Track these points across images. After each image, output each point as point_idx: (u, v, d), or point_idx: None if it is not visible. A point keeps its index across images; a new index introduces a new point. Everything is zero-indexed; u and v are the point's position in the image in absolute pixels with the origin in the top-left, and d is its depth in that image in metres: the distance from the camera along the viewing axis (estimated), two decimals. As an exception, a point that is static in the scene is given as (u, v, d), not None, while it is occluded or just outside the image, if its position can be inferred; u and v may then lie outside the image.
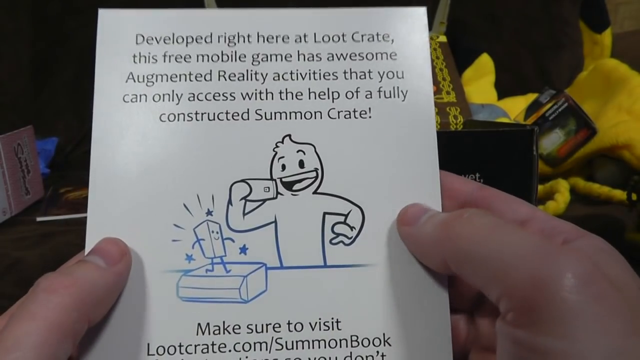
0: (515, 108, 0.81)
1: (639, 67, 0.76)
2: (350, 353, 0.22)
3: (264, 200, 0.23)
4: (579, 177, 0.68)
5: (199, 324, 0.22)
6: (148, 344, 0.21)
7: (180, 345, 0.22)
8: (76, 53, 0.94)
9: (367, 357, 0.22)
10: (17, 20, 0.94)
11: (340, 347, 0.22)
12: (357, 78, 0.24)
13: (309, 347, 0.22)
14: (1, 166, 0.63)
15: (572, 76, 0.96)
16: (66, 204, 0.69)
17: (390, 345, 0.22)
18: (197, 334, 0.22)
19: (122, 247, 0.22)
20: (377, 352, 0.22)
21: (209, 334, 0.22)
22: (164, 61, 0.24)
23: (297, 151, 0.23)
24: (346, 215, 0.23)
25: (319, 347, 0.22)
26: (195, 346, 0.22)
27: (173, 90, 0.23)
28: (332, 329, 0.22)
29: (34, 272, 0.52)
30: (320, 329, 0.22)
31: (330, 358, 0.22)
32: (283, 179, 0.23)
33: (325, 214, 0.23)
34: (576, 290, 0.16)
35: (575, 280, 0.16)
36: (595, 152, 0.67)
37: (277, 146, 0.23)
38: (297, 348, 0.22)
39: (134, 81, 0.23)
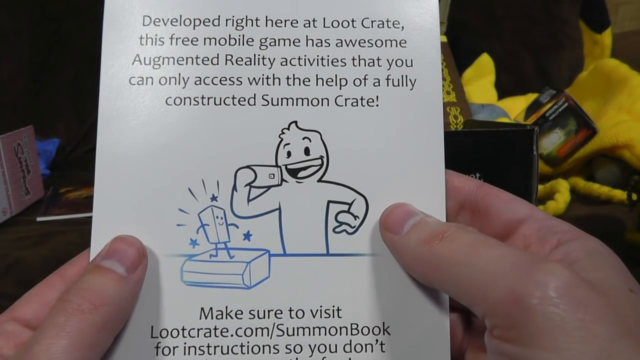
0: (515, 108, 0.81)
1: (639, 67, 0.76)
2: (350, 341, 0.22)
3: (269, 187, 0.23)
4: (579, 177, 0.68)
5: (202, 309, 0.22)
6: (152, 327, 0.22)
7: (183, 329, 0.22)
8: (76, 53, 0.94)
9: (366, 345, 0.22)
10: (17, 20, 0.94)
11: (340, 334, 0.22)
12: (365, 65, 0.24)
13: (309, 334, 0.22)
14: (1, 166, 0.63)
15: (572, 76, 0.96)
16: (66, 204, 0.69)
17: (389, 334, 0.22)
18: (200, 318, 0.22)
19: (139, 249, 0.22)
20: (376, 340, 0.22)
21: (212, 318, 0.22)
22: (171, 44, 0.23)
23: (303, 138, 0.23)
24: (350, 204, 0.23)
25: (319, 334, 0.22)
26: (198, 330, 0.22)
27: (179, 74, 0.23)
28: (333, 317, 0.22)
29: (34, 272, 0.52)
30: (321, 317, 0.22)
31: (330, 345, 0.22)
32: (288, 166, 0.23)
33: (329, 202, 0.23)
34: (556, 302, 0.17)
35: (553, 292, 0.17)
36: (596, 152, 0.67)
37: (283, 132, 0.23)
38: (297, 334, 0.22)
39: (141, 63, 0.23)
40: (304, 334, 0.22)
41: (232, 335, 0.22)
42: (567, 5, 1.03)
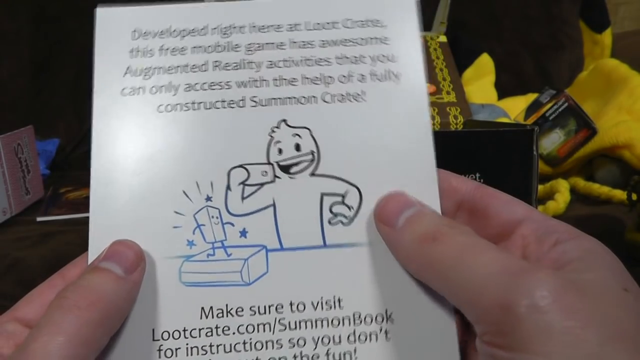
0: (515, 108, 0.81)
1: (639, 67, 0.76)
2: (354, 331, 0.22)
3: (262, 184, 0.23)
4: (579, 177, 0.68)
5: (202, 308, 0.22)
6: (153, 330, 0.22)
7: (184, 330, 0.22)
8: (76, 53, 0.94)
9: (370, 334, 0.22)
10: (17, 20, 0.95)
11: (344, 325, 0.22)
12: (350, 63, 0.24)
13: (312, 327, 0.22)
14: (1, 166, 0.63)
15: (572, 76, 0.96)
16: (66, 204, 0.69)
17: (393, 321, 0.22)
18: (201, 318, 0.22)
19: (138, 252, 0.22)
20: (381, 328, 0.22)
21: (213, 317, 0.22)
22: (160, 54, 0.24)
23: (293, 135, 0.24)
24: (344, 196, 0.23)
25: (322, 327, 0.22)
26: (200, 330, 0.22)
27: (170, 82, 0.24)
28: (335, 308, 0.22)
29: (34, 272, 0.52)
30: (322, 308, 0.22)
31: (334, 337, 0.22)
32: (280, 163, 0.23)
33: (323, 195, 0.23)
34: (544, 310, 0.17)
35: (541, 301, 0.17)
36: (596, 152, 0.67)
37: (273, 131, 0.24)
38: (300, 328, 0.22)
39: (132, 75, 0.24)
40: (306, 327, 0.22)
41: (234, 333, 0.22)
42: (567, 5, 1.03)
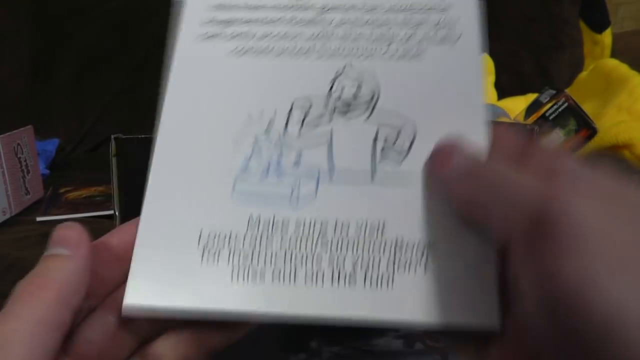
0: (515, 108, 0.81)
1: (639, 67, 0.76)
2: (394, 257, 0.23)
3: (321, 120, 0.25)
4: (579, 177, 0.67)
5: (250, 217, 0.23)
6: (201, 229, 0.23)
7: (230, 235, 0.23)
8: (76, 53, 0.94)
9: (410, 262, 0.22)
10: (17, 20, 0.95)
11: (385, 250, 0.23)
12: (411, 27, 0.27)
13: (353, 249, 0.23)
14: (1, 166, 0.64)
15: (572, 76, 0.96)
16: (66, 204, 0.69)
17: (434, 250, 0.23)
18: (248, 226, 0.23)
19: (78, 230, 0.22)
20: (421, 258, 0.23)
21: (259, 227, 0.23)
22: (239, 10, 0.28)
23: (354, 80, 0.26)
24: (396, 139, 0.25)
25: (364, 249, 0.23)
26: (244, 237, 0.23)
27: (246, 31, 0.27)
28: (378, 232, 0.23)
29: (34, 272, 0.52)
30: (366, 231, 0.23)
31: (374, 259, 0.23)
32: (339, 103, 0.26)
33: (376, 136, 0.25)
34: (577, 216, 0.17)
35: (575, 208, 0.18)
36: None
37: (336, 75, 0.26)
38: (342, 248, 0.23)
39: (213, 24, 0.28)
40: (347, 248, 0.23)
41: (277, 245, 0.23)
42: (567, 5, 1.03)
